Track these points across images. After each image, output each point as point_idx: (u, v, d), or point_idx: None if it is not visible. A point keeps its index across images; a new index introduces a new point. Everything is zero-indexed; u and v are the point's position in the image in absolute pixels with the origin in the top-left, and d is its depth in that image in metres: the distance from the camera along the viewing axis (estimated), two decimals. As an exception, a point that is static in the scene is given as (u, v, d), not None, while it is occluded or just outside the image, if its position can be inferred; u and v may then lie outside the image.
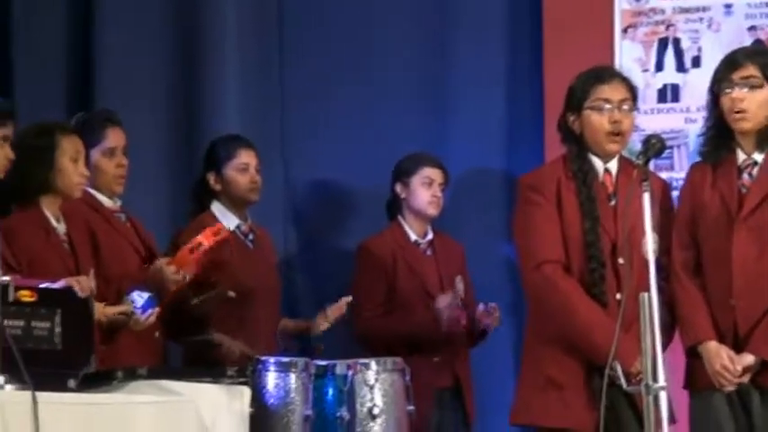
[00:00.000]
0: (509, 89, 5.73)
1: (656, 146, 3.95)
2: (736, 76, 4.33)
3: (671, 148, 5.43)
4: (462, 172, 5.62)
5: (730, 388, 4.27)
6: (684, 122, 5.56)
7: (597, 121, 4.43)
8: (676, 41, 5.61)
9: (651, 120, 5.52)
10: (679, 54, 5.60)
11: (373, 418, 4.32)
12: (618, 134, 4.42)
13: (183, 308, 4.77)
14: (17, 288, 3.57)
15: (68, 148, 4.46)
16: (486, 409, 5.32)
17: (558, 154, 4.55)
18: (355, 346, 5.21)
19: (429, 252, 5.37)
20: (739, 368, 4.25)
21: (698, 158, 4.48)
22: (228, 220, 5.12)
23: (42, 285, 3.82)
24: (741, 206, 4.32)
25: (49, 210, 4.44)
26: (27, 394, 3.40)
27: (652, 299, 3.70)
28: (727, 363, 4.24)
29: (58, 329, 3.69)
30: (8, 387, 3.45)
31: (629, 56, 5.60)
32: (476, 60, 5.72)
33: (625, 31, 5.64)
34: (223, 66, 5.65)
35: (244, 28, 5.73)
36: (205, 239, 4.61)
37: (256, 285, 5.03)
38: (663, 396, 3.69)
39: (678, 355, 4.38)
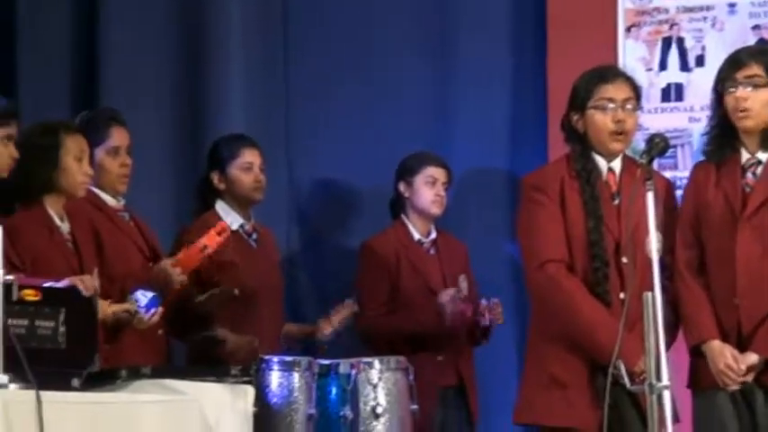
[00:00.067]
0: (512, 88, 5.73)
1: (659, 145, 3.95)
2: (740, 75, 4.33)
3: (675, 147, 5.43)
4: (466, 171, 5.62)
5: (734, 387, 4.27)
6: (688, 121, 5.56)
7: (601, 120, 4.42)
8: (680, 41, 5.61)
9: (655, 119, 5.52)
10: (683, 53, 5.60)
11: (377, 417, 4.32)
12: (621, 133, 4.42)
13: (186, 306, 4.78)
14: (21, 287, 3.57)
15: (72, 147, 4.46)
16: (490, 407, 5.32)
17: (562, 153, 4.55)
18: (358, 345, 5.21)
19: (432, 251, 5.37)
20: (743, 367, 4.24)
21: (702, 157, 4.48)
22: (232, 219, 5.12)
23: (46, 284, 3.82)
24: (745, 205, 4.32)
25: (53, 209, 4.44)
26: (31, 393, 3.40)
27: (656, 298, 3.70)
28: (731, 362, 4.24)
29: (61, 329, 3.69)
30: (12, 386, 3.45)
31: (632, 55, 5.60)
32: (479, 60, 5.71)
33: (629, 30, 5.63)
34: (228, 64, 5.66)
35: (248, 26, 5.73)
36: (210, 241, 4.62)
37: (260, 284, 5.03)
38: (666, 395, 3.69)
39: (682, 355, 4.37)
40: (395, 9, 5.78)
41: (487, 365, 5.38)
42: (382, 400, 4.34)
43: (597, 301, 4.34)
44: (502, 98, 5.73)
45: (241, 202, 5.16)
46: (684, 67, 5.60)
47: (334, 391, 4.34)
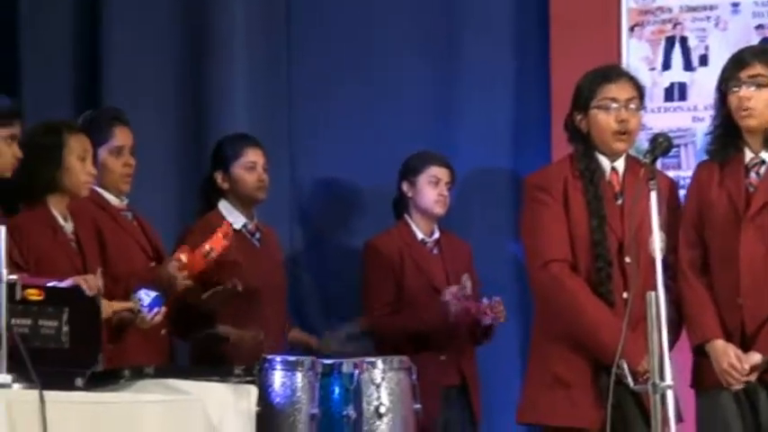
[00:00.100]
0: (516, 88, 5.73)
1: (663, 144, 3.94)
2: (744, 74, 4.33)
3: (678, 146, 5.43)
4: (469, 171, 5.62)
5: (738, 387, 4.26)
6: (692, 121, 5.55)
7: (604, 120, 4.42)
8: (683, 40, 5.60)
9: (658, 118, 5.52)
10: (686, 53, 5.60)
11: (380, 416, 4.32)
12: (625, 133, 4.42)
13: (189, 304, 4.77)
14: (24, 287, 3.57)
15: (76, 147, 4.46)
16: (493, 407, 5.32)
17: (565, 153, 4.55)
18: (362, 343, 5.22)
19: (436, 251, 5.37)
20: (747, 367, 4.24)
21: (705, 157, 4.47)
22: (235, 218, 5.13)
23: (50, 284, 3.82)
24: (748, 205, 4.32)
25: (57, 208, 4.45)
26: (34, 393, 3.40)
27: (659, 298, 3.70)
28: (735, 361, 4.24)
29: (65, 328, 3.69)
30: (16, 386, 3.45)
31: (636, 55, 5.60)
32: (482, 59, 5.71)
33: (632, 29, 5.63)
34: (230, 64, 5.65)
35: (251, 26, 5.73)
36: (215, 244, 4.62)
37: (263, 284, 5.03)
38: (670, 395, 3.69)
39: (685, 354, 4.37)
40: (397, 9, 5.78)
41: (491, 365, 5.38)
42: (385, 399, 4.34)
43: (600, 300, 4.34)
44: (505, 98, 5.73)
45: (244, 202, 5.16)
46: (688, 66, 5.59)
47: (337, 390, 4.34)
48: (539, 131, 5.60)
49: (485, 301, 5.16)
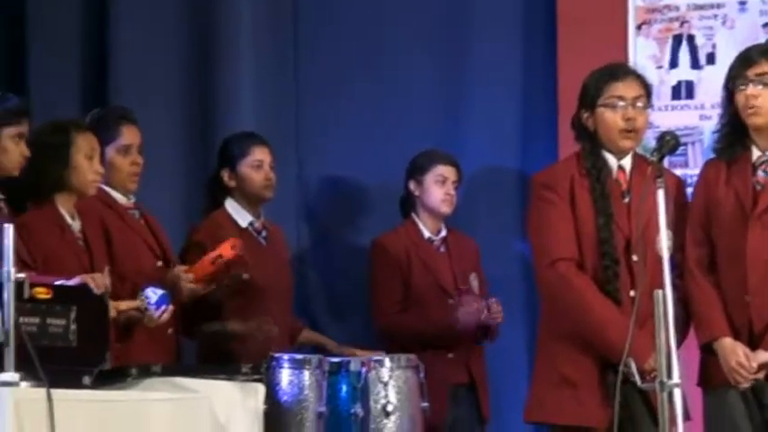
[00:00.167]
0: (523, 87, 5.72)
1: (670, 143, 3.94)
2: (751, 72, 4.33)
3: (685, 144, 5.42)
4: (476, 170, 5.61)
5: (745, 385, 4.26)
6: (699, 119, 5.55)
7: (611, 118, 4.42)
8: (690, 38, 5.60)
9: (665, 117, 5.51)
10: (693, 51, 5.59)
11: (387, 414, 4.32)
12: (632, 131, 4.42)
13: (196, 299, 4.76)
14: (32, 285, 3.57)
15: (83, 146, 4.47)
16: (501, 406, 5.32)
17: (572, 152, 4.55)
18: (369, 342, 5.21)
19: (443, 249, 5.37)
20: (755, 365, 4.24)
21: (712, 155, 4.47)
22: (242, 216, 5.13)
23: (57, 282, 3.82)
24: (756, 203, 4.32)
25: (64, 207, 4.45)
26: (42, 391, 3.41)
27: (666, 296, 3.70)
28: (743, 359, 4.23)
29: (73, 326, 3.69)
30: (23, 384, 3.45)
31: (643, 53, 5.59)
32: (490, 58, 5.71)
33: (639, 27, 5.63)
34: (238, 62, 5.65)
35: (258, 25, 5.73)
36: (224, 252, 4.63)
37: (269, 282, 5.03)
38: (677, 393, 3.69)
39: (692, 352, 4.37)
40: (405, 7, 5.78)
41: (498, 364, 5.38)
42: (393, 397, 4.34)
43: (607, 299, 4.34)
44: (512, 97, 5.72)
45: (251, 200, 5.16)
46: (695, 64, 5.59)
47: (344, 388, 4.34)
48: (546, 130, 5.60)
49: (483, 302, 5.15)
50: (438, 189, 5.33)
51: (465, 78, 5.75)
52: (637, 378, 3.81)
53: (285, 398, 4.25)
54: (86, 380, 3.71)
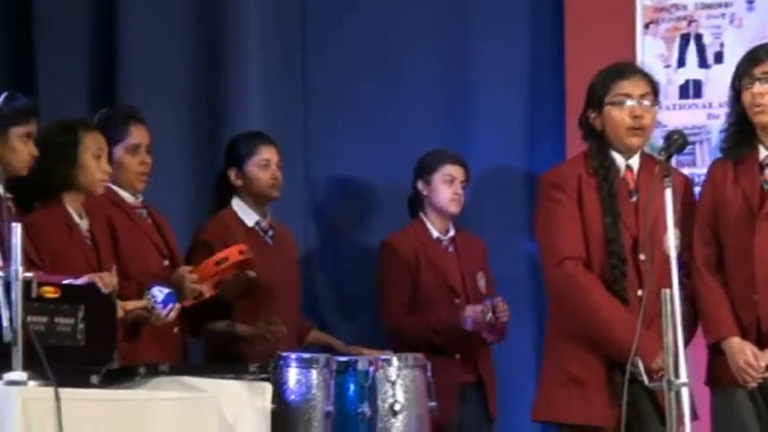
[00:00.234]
0: (530, 86, 5.72)
1: (677, 142, 3.94)
2: (758, 71, 4.32)
3: (693, 143, 5.42)
4: (484, 169, 5.61)
5: (753, 384, 4.26)
6: (707, 118, 5.54)
7: (618, 116, 4.42)
8: (698, 37, 5.59)
9: (673, 116, 5.51)
10: (701, 50, 5.58)
11: (395, 414, 4.33)
12: (639, 129, 4.41)
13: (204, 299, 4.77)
14: (40, 284, 3.58)
15: (91, 145, 4.47)
16: (508, 405, 5.32)
17: (579, 151, 4.55)
18: (377, 342, 5.22)
19: (451, 249, 5.37)
20: (763, 364, 4.24)
21: (720, 154, 4.47)
22: (248, 216, 5.13)
23: (65, 282, 3.83)
24: (763, 202, 4.31)
25: (72, 206, 4.46)
26: (50, 390, 3.41)
27: (674, 295, 3.70)
28: (751, 359, 4.23)
29: (80, 326, 3.70)
30: (31, 383, 3.45)
31: (650, 52, 5.59)
32: (497, 58, 5.71)
33: (647, 27, 5.62)
34: (246, 64, 5.65)
35: (267, 26, 5.73)
36: (231, 255, 4.63)
37: (276, 281, 5.03)
38: (685, 392, 3.69)
39: (700, 352, 4.37)
40: (411, 9, 5.78)
41: (506, 363, 5.38)
42: (400, 397, 4.34)
43: (615, 298, 4.34)
44: (519, 96, 5.72)
45: (258, 200, 5.16)
46: (703, 63, 5.58)
47: (352, 388, 4.34)
48: (553, 129, 5.59)
49: (487, 302, 5.15)
50: (446, 189, 5.33)
51: (472, 78, 5.75)
52: (644, 377, 3.80)
53: (293, 397, 4.25)
54: (94, 379, 3.72)
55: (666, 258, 3.80)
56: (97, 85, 5.59)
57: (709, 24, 5.58)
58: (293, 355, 4.32)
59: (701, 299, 4.33)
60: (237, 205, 5.15)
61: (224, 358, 4.89)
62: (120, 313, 4.21)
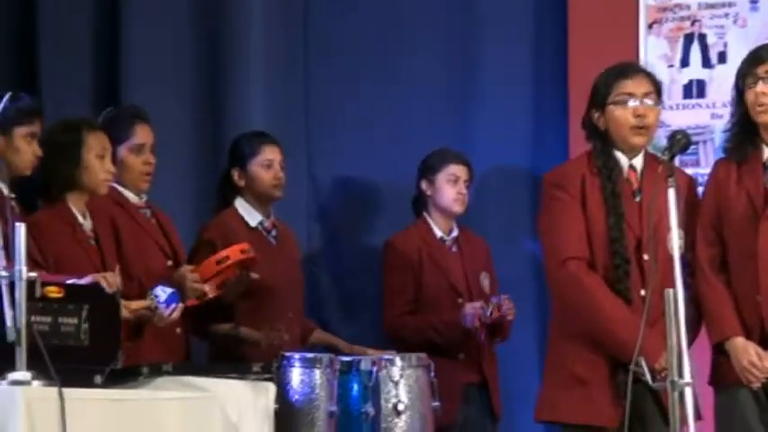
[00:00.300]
0: (534, 86, 5.72)
1: (681, 141, 3.94)
2: (761, 70, 4.32)
3: (697, 143, 5.42)
4: (487, 169, 5.61)
5: (757, 384, 4.26)
6: (710, 118, 5.54)
7: (621, 115, 4.41)
8: (702, 37, 5.59)
9: (677, 115, 5.51)
10: (705, 50, 5.58)
11: (398, 413, 4.33)
12: (642, 128, 4.41)
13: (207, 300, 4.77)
14: (44, 284, 3.58)
15: (94, 145, 4.47)
16: (512, 405, 5.32)
17: (583, 151, 4.54)
18: (380, 342, 5.22)
19: (454, 249, 5.37)
20: (766, 364, 4.23)
21: (723, 154, 4.46)
22: (251, 216, 5.13)
23: (69, 281, 3.83)
24: (767, 203, 4.31)
25: (76, 206, 4.46)
26: (54, 390, 3.41)
27: (677, 295, 3.69)
28: (755, 359, 4.23)
29: (84, 326, 3.70)
30: (35, 383, 3.46)
31: (654, 52, 5.58)
32: (500, 58, 5.71)
33: (650, 26, 5.62)
34: (249, 64, 5.65)
35: (269, 25, 5.73)
36: (232, 254, 4.63)
37: (279, 281, 5.03)
38: (688, 392, 3.69)
39: (704, 352, 4.36)
40: (417, 8, 5.78)
41: (509, 363, 5.38)
42: (404, 396, 4.34)
43: (618, 298, 4.33)
44: (523, 96, 5.72)
45: (261, 199, 5.16)
46: (706, 63, 5.58)
47: (355, 387, 4.34)
48: (556, 129, 5.59)
49: (493, 300, 5.16)
50: (450, 188, 5.33)
51: (476, 78, 5.75)
52: (648, 377, 3.81)
53: (296, 397, 4.25)
54: (98, 379, 3.72)
55: (670, 258, 3.80)
56: (101, 85, 5.59)
57: (713, 24, 5.58)
58: (296, 355, 4.32)
59: (704, 299, 4.33)
60: (241, 205, 5.15)
61: (228, 359, 4.89)
62: (125, 313, 4.21)
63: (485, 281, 5.34)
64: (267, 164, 5.15)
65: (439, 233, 5.37)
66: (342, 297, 5.73)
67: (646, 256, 4.34)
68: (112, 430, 3.57)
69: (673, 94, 5.50)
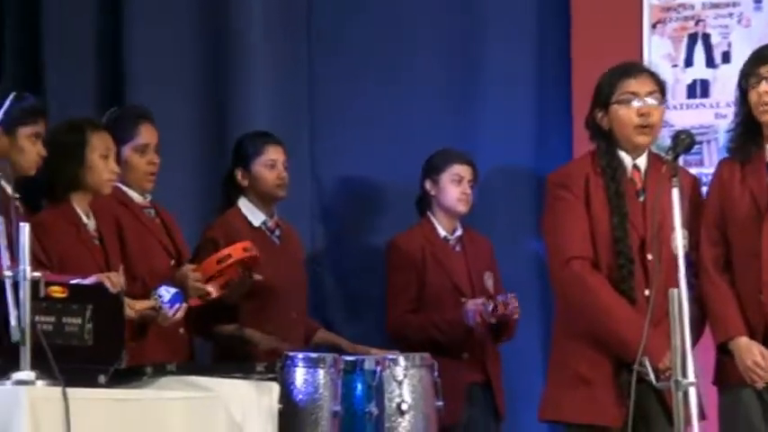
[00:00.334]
0: (537, 86, 5.72)
1: (685, 141, 3.94)
2: (764, 70, 4.32)
3: (700, 143, 5.41)
4: (490, 169, 5.61)
5: (761, 384, 4.25)
6: (714, 118, 5.54)
7: (625, 114, 4.41)
8: (706, 37, 5.59)
9: (681, 115, 5.50)
10: (709, 49, 5.58)
11: (402, 413, 4.33)
12: (646, 126, 4.41)
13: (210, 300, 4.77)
14: (48, 284, 3.58)
15: (98, 145, 4.48)
16: (516, 404, 5.32)
17: (587, 150, 4.54)
18: (384, 342, 5.21)
19: (458, 248, 5.37)
20: (771, 364, 4.24)
21: (727, 154, 4.46)
22: (255, 216, 5.13)
23: (73, 281, 3.84)
24: (771, 202, 4.31)
25: (80, 206, 4.46)
26: (58, 390, 3.42)
27: (681, 295, 3.69)
28: (759, 359, 4.23)
29: (88, 325, 3.70)
30: (39, 383, 3.46)
31: (658, 51, 5.58)
32: (504, 58, 5.70)
33: (654, 26, 5.62)
34: (252, 65, 5.65)
35: (272, 24, 5.73)
36: (234, 253, 4.63)
37: (283, 281, 5.03)
38: (692, 392, 3.68)
39: (708, 351, 4.36)
40: (419, 8, 5.78)
41: (513, 362, 5.37)
42: (407, 396, 4.34)
43: (622, 298, 4.33)
44: (527, 96, 5.72)
45: (264, 199, 5.16)
46: (710, 63, 5.58)
47: (359, 387, 4.34)
48: (560, 129, 5.59)
49: (499, 298, 5.15)
50: (454, 188, 5.33)
51: (479, 78, 5.75)
52: (652, 377, 3.80)
53: (300, 397, 4.25)
54: (102, 379, 3.72)
55: (674, 258, 3.80)
56: (105, 85, 5.59)
57: (717, 24, 5.57)
58: (300, 355, 4.32)
59: (708, 299, 4.33)
60: (244, 205, 5.15)
61: (232, 359, 4.89)
62: (132, 313, 4.22)
63: (488, 280, 5.34)
64: (270, 164, 5.15)
65: (443, 233, 5.37)
66: (345, 297, 5.73)
67: (650, 256, 4.33)
68: (116, 430, 3.57)
69: (677, 93, 5.50)
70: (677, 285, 3.71)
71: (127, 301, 4.16)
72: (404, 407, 4.32)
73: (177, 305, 4.41)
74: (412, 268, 5.29)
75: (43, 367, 3.45)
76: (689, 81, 5.60)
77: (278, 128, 5.43)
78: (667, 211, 3.84)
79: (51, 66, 5.50)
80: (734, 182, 4.36)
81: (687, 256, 3.88)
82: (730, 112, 4.57)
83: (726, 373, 4.32)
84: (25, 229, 3.50)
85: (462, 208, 5.34)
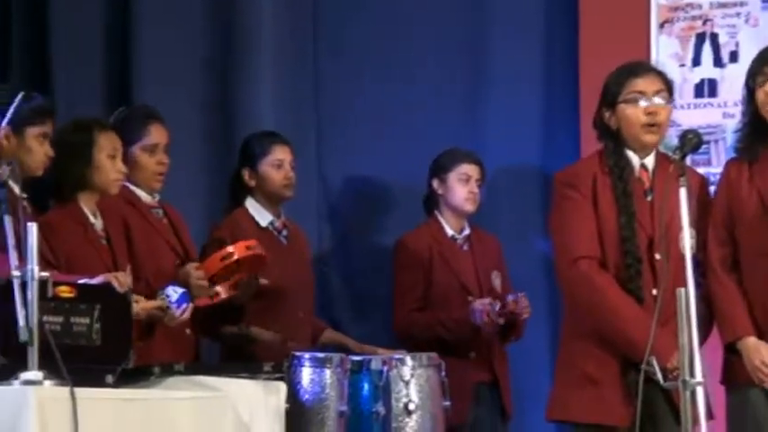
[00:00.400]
0: (545, 85, 5.72)
1: (692, 141, 3.93)
2: (771, 69, 4.32)
3: (708, 143, 5.41)
4: (498, 168, 5.61)
5: (769, 384, 4.26)
6: (722, 117, 5.53)
7: (633, 113, 4.41)
8: (713, 36, 5.58)
9: (688, 115, 5.50)
10: (716, 49, 5.57)
11: (409, 413, 4.32)
12: (654, 125, 4.40)
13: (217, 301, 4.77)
14: (56, 284, 3.59)
15: (105, 145, 4.48)
16: (523, 404, 5.32)
17: (594, 149, 4.54)
18: (391, 341, 5.21)
19: (466, 247, 5.37)
20: (778, 364, 4.23)
21: (734, 154, 4.46)
22: (262, 215, 5.13)
23: (81, 281, 3.84)
24: (778, 202, 4.31)
25: (87, 206, 4.46)
26: (65, 390, 3.42)
27: (689, 294, 3.69)
28: (767, 358, 4.22)
29: (96, 325, 3.71)
30: (47, 383, 3.46)
31: (665, 51, 5.58)
32: (511, 57, 5.70)
33: (662, 26, 5.61)
34: (259, 64, 5.65)
35: (279, 23, 5.73)
36: (237, 250, 4.62)
37: (290, 281, 5.03)
38: (700, 392, 3.68)
39: (715, 351, 4.36)
40: (426, 6, 5.78)
41: (520, 362, 5.37)
42: (414, 396, 4.34)
43: (630, 297, 4.33)
44: (534, 95, 5.72)
45: (271, 199, 5.16)
46: (718, 62, 5.57)
47: (366, 387, 4.34)
48: (568, 128, 5.59)
49: (509, 297, 5.15)
50: (462, 187, 5.33)
51: (487, 77, 5.75)
52: (659, 377, 3.80)
53: (307, 396, 4.25)
54: (109, 378, 3.73)
55: (681, 257, 3.80)
56: (112, 84, 5.60)
57: (725, 23, 5.57)
58: (307, 355, 4.32)
59: (716, 298, 4.32)
60: (251, 205, 5.15)
61: (239, 359, 4.89)
62: (138, 308, 4.22)
63: (496, 280, 5.34)
64: (278, 164, 5.15)
65: (450, 232, 5.37)
66: (352, 297, 5.73)
67: (657, 256, 4.33)
68: (124, 430, 3.57)
69: (684, 93, 5.49)
70: (685, 285, 3.70)
71: (135, 297, 4.17)
72: (411, 407, 4.32)
73: (184, 305, 4.41)
74: (419, 267, 5.29)
75: (51, 367, 3.46)
76: (696, 80, 5.60)
77: (285, 128, 5.43)
78: (675, 211, 3.83)
79: (59, 66, 5.50)
80: (741, 181, 4.35)
81: (695, 256, 3.88)
82: (738, 111, 4.56)
83: (733, 373, 4.32)
84: (33, 228, 3.50)
85: (470, 207, 5.34)
